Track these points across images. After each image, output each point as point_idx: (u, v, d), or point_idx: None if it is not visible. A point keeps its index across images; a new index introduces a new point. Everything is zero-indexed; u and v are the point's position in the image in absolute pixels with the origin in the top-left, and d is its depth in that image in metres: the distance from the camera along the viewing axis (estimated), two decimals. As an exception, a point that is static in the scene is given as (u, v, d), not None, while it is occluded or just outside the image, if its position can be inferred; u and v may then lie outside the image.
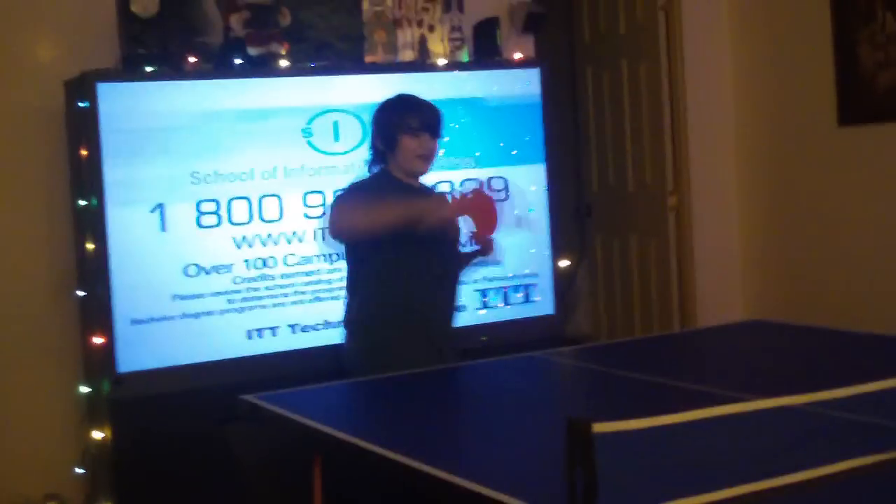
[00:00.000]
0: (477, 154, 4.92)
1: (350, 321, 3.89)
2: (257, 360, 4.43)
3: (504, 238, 4.61)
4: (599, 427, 1.80)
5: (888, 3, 5.09)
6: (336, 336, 4.15)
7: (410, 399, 3.31)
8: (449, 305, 3.93)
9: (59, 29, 4.69)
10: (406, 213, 3.62)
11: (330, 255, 4.56)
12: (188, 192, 4.35)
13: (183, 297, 4.34)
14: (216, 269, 4.40)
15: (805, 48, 5.58)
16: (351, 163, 4.60)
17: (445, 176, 4.79)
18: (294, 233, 4.54)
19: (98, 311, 4.27)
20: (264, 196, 4.49)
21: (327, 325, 4.52)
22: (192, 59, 4.42)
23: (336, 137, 4.62)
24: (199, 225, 4.38)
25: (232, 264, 4.43)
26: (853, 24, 5.27)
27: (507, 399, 3.28)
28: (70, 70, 4.40)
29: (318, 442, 2.91)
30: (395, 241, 3.70)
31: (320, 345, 4.48)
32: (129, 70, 4.33)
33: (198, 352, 4.36)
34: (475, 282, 4.86)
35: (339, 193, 3.98)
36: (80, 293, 4.50)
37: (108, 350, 4.22)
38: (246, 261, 4.45)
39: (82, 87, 4.26)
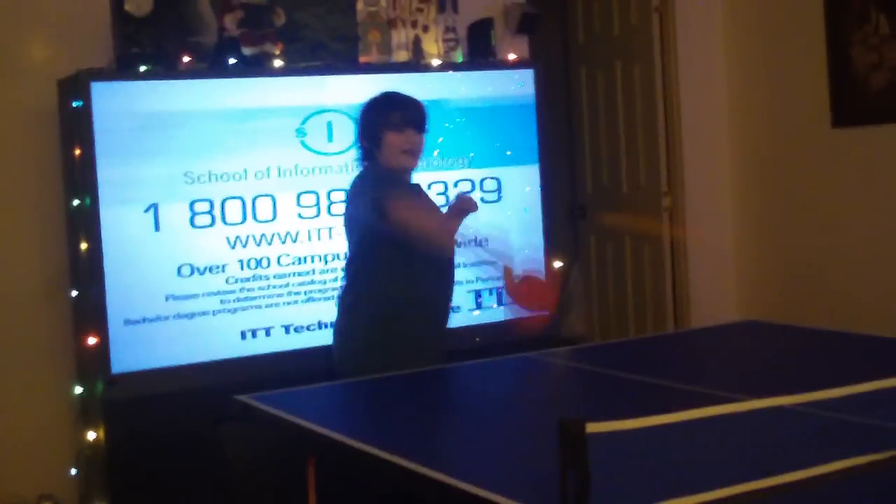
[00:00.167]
0: (471, 155, 4.91)
1: (349, 305, 3.87)
2: (251, 361, 4.42)
3: (498, 238, 4.64)
4: (592, 427, 1.80)
5: (881, 4, 5.10)
6: (330, 337, 4.15)
7: (404, 400, 3.31)
8: (448, 302, 3.93)
9: (53, 28, 4.68)
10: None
11: (324, 256, 4.56)
12: (182, 191, 4.35)
13: (176, 298, 4.33)
14: (210, 269, 4.39)
15: (799, 50, 5.59)
16: (345, 163, 4.59)
17: (439, 176, 4.78)
18: (288, 233, 4.54)
19: (91, 312, 4.26)
20: (258, 196, 4.49)
21: (321, 325, 4.52)
22: (186, 59, 4.42)
23: (330, 138, 4.62)
24: (193, 225, 4.37)
25: (226, 264, 4.42)
26: (846, 26, 5.27)
27: (501, 400, 3.28)
28: (64, 69, 4.40)
29: (311, 442, 2.90)
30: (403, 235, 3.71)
31: (314, 345, 4.47)
32: (123, 69, 4.33)
33: (191, 352, 4.35)
34: (469, 282, 4.86)
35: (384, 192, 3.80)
36: (74, 293, 4.49)
37: (102, 350, 4.21)
38: (240, 261, 4.45)
39: (76, 86, 4.26)
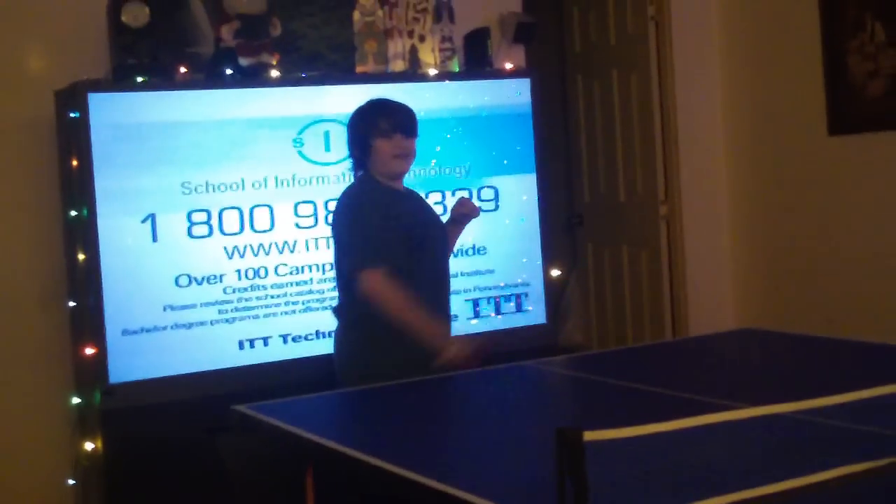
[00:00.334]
0: (468, 164, 4.92)
1: (347, 318, 3.88)
2: (249, 371, 4.42)
3: (496, 248, 4.64)
4: (590, 436, 1.80)
5: (877, 13, 5.12)
6: (328, 346, 4.15)
7: (402, 409, 3.31)
8: (445, 308, 3.93)
9: (50, 39, 4.69)
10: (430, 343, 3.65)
11: (321, 266, 4.56)
12: (179, 202, 4.35)
13: (174, 308, 4.33)
14: (207, 279, 4.39)
15: (795, 58, 5.60)
16: (342, 172, 4.59)
17: (437, 186, 4.79)
18: (285, 243, 4.54)
19: (89, 322, 4.26)
20: (255, 206, 4.49)
21: (319, 335, 4.52)
22: (182, 70, 4.42)
23: (327, 147, 4.62)
24: (191, 235, 4.37)
25: (223, 274, 4.42)
26: (842, 34, 5.28)
27: (499, 408, 3.28)
28: (61, 80, 4.40)
29: (309, 452, 2.90)
30: (398, 246, 3.72)
31: (312, 355, 4.48)
32: (119, 80, 4.33)
33: (189, 362, 4.35)
34: (467, 291, 4.86)
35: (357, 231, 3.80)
36: (72, 304, 4.49)
37: (100, 360, 4.21)
38: (237, 271, 4.45)
39: (73, 97, 4.26)
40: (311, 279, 4.57)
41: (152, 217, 4.30)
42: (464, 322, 4.83)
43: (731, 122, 6.03)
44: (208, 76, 4.50)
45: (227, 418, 3.29)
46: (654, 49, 5.99)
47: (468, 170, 4.92)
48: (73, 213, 4.36)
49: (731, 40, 6.00)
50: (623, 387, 3.39)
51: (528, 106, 5.07)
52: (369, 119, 3.87)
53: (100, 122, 4.22)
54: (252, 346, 4.47)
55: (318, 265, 4.57)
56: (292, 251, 4.55)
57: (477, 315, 4.92)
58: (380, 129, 3.82)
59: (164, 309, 4.32)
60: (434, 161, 4.82)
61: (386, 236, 3.71)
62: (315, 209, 4.58)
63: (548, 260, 5.09)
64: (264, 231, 4.50)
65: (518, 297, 5.02)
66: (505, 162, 5.01)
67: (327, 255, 4.53)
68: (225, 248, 4.43)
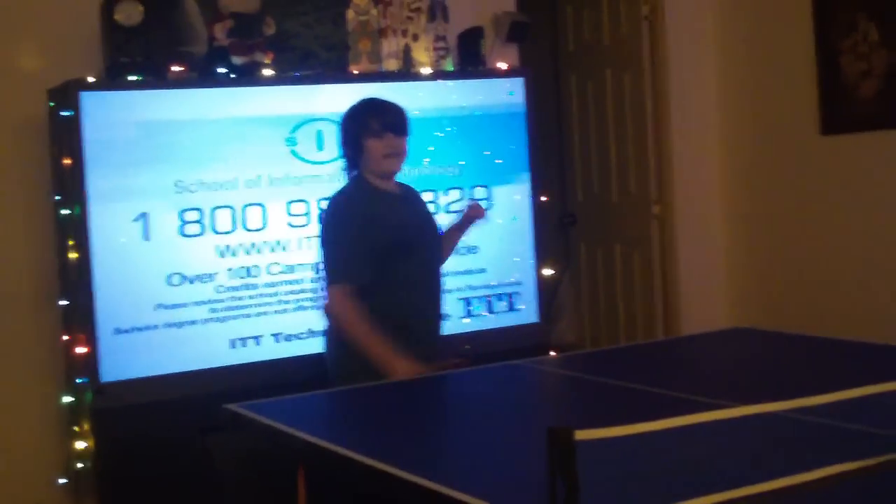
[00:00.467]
0: (461, 163, 4.92)
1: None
2: (241, 369, 4.42)
3: (488, 247, 4.64)
4: (581, 435, 1.80)
5: (870, 13, 5.12)
6: (320, 345, 4.15)
7: (394, 408, 3.30)
8: (434, 312, 3.93)
9: (43, 37, 4.68)
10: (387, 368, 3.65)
11: (314, 265, 4.56)
12: (172, 200, 4.34)
13: (166, 307, 4.33)
14: (199, 278, 4.39)
15: (788, 58, 5.61)
16: (335, 171, 4.59)
17: (430, 185, 4.79)
18: (278, 242, 4.54)
19: (81, 320, 4.26)
20: (248, 205, 4.49)
21: (311, 333, 4.51)
22: (175, 69, 4.42)
23: (320, 146, 4.62)
24: (183, 234, 4.37)
25: (215, 273, 4.42)
26: (835, 35, 5.29)
27: (491, 407, 3.28)
28: (53, 79, 4.40)
29: (301, 451, 2.90)
30: (384, 249, 3.73)
31: (304, 354, 4.48)
32: (112, 79, 4.33)
33: (181, 361, 4.35)
34: (459, 290, 4.86)
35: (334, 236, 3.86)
36: (64, 302, 4.49)
37: (91, 359, 4.21)
38: (229, 270, 4.44)
39: (66, 95, 4.26)
40: (304, 278, 4.57)
41: (144, 216, 4.29)
42: (456, 321, 4.83)
43: (724, 122, 6.04)
44: (201, 75, 4.49)
45: (219, 417, 3.29)
46: (647, 49, 6.00)
47: (461, 169, 4.92)
48: (66, 211, 4.36)
49: (724, 40, 6.01)
50: (615, 386, 3.39)
51: (522, 105, 5.07)
52: (361, 118, 3.88)
53: (92, 120, 4.21)
54: (244, 344, 4.47)
55: (310, 264, 4.56)
56: (285, 250, 4.55)
57: (469, 314, 4.92)
58: (371, 129, 3.83)
59: (156, 308, 4.31)
60: (427, 160, 4.82)
61: (362, 249, 3.73)
62: (308, 208, 4.58)
63: (540, 259, 5.09)
64: (257, 230, 4.50)
65: (510, 296, 5.02)
66: (498, 161, 5.01)
67: (319, 254, 4.53)
68: (217, 246, 4.43)
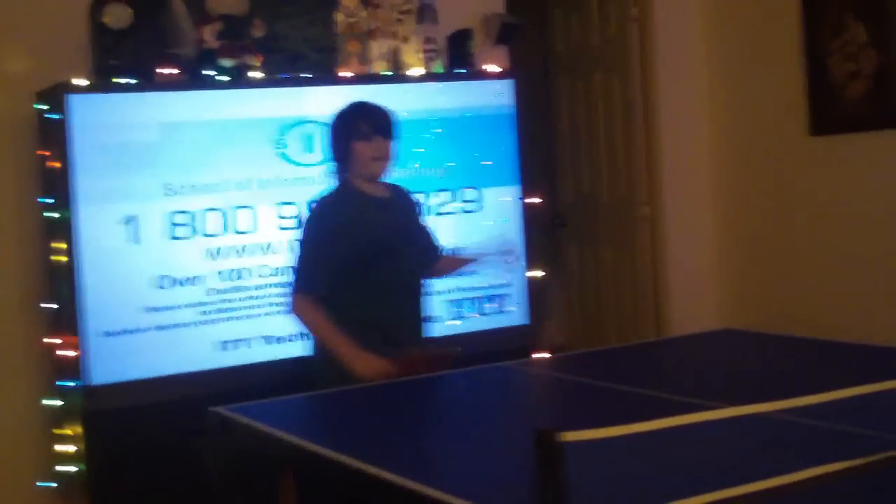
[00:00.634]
0: (451, 165, 4.92)
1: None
2: (231, 372, 4.41)
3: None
4: (568, 436, 1.80)
5: (858, 14, 5.13)
6: (308, 347, 4.14)
7: (382, 410, 3.30)
8: (413, 316, 3.92)
9: (32, 40, 4.66)
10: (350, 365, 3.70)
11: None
12: (160, 203, 4.34)
13: (155, 309, 4.32)
14: (189, 280, 4.38)
15: (777, 59, 5.62)
16: (324, 174, 4.58)
17: (419, 187, 4.78)
18: (267, 244, 4.53)
19: (70, 323, 4.25)
20: (238, 207, 4.48)
21: (300, 336, 4.50)
22: (164, 71, 4.41)
23: (309, 149, 4.62)
24: (172, 236, 4.36)
25: (205, 276, 4.41)
26: (824, 36, 5.30)
27: (479, 409, 3.28)
28: (42, 81, 4.39)
29: (289, 453, 2.90)
30: (358, 255, 3.74)
31: (293, 356, 4.47)
32: (101, 81, 4.32)
33: (171, 363, 4.34)
34: (449, 292, 4.85)
35: (305, 238, 3.92)
36: (53, 305, 4.47)
37: (80, 362, 4.20)
38: (219, 272, 4.44)
39: (54, 98, 4.25)
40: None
41: (133, 218, 4.29)
42: (446, 323, 4.82)
43: (714, 123, 6.04)
44: (190, 77, 4.48)
45: (208, 420, 3.28)
46: (636, 50, 6.00)
47: (451, 171, 4.92)
48: (54, 214, 4.35)
49: (713, 41, 6.01)
50: (604, 387, 3.39)
51: (512, 107, 5.07)
52: (349, 121, 3.88)
53: (81, 123, 4.21)
54: (233, 347, 4.46)
55: (300, 266, 4.55)
56: (274, 252, 4.54)
57: (459, 316, 4.92)
58: (359, 132, 3.84)
59: (146, 310, 4.31)
60: (417, 163, 4.81)
61: (325, 261, 3.78)
62: (297, 210, 4.57)
63: (530, 261, 5.09)
64: (246, 232, 4.50)
65: (500, 297, 5.02)
66: (488, 163, 5.01)
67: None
68: (207, 249, 4.42)
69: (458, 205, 4.92)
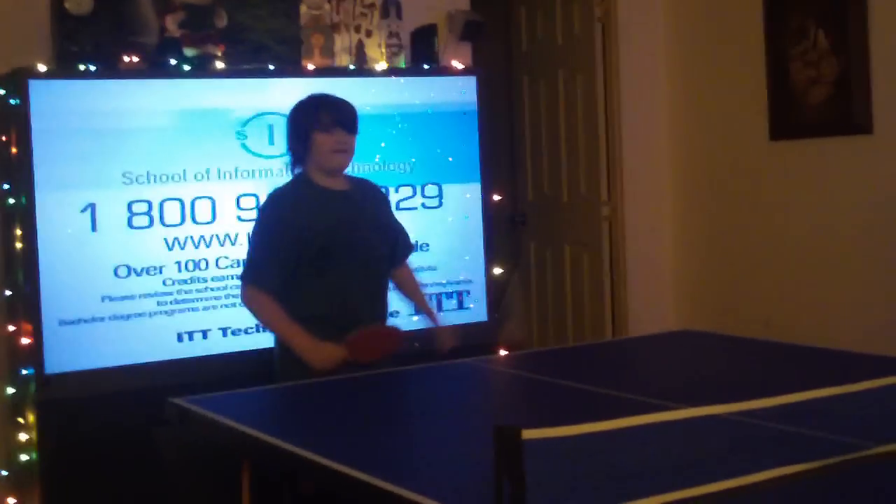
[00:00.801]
0: (412, 160, 4.91)
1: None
2: (188, 363, 4.39)
3: (439, 245, 4.63)
4: (528, 434, 1.81)
5: (820, 21, 5.16)
6: (266, 340, 4.13)
7: (341, 404, 3.29)
8: (371, 311, 3.91)
9: (-8, 25, 4.62)
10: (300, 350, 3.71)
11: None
12: (120, 192, 4.31)
13: (113, 299, 4.29)
14: (147, 270, 4.36)
15: (738, 63, 5.65)
16: (285, 166, 4.57)
17: (381, 181, 4.78)
18: (227, 235, 4.51)
19: (26, 311, 4.21)
20: (197, 198, 4.46)
21: (258, 328, 4.49)
22: (126, 59, 4.38)
23: (270, 140, 4.60)
24: (131, 226, 4.33)
25: (163, 266, 4.39)
26: (786, 41, 5.33)
27: (439, 405, 3.28)
28: (2, 66, 4.34)
29: (246, 446, 2.89)
30: (310, 247, 3.74)
31: (251, 348, 4.45)
32: (62, 68, 4.29)
33: (127, 354, 4.31)
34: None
35: (255, 230, 3.92)
36: (8, 292, 4.44)
37: (36, 350, 4.16)
38: (177, 263, 4.42)
39: (14, 83, 4.21)
40: (253, 272, 4.54)
41: (92, 207, 4.26)
42: (405, 318, 4.81)
43: (675, 125, 6.07)
44: (152, 66, 4.46)
45: (165, 411, 3.27)
46: (599, 50, 6.01)
47: (412, 166, 4.92)
48: (12, 200, 4.31)
49: (676, 43, 6.04)
50: (562, 386, 3.40)
51: (474, 104, 5.08)
52: (310, 112, 3.86)
53: (40, 109, 4.17)
54: (191, 338, 4.44)
55: (259, 259, 4.53)
56: (234, 244, 4.52)
57: (418, 312, 4.91)
58: (320, 123, 3.82)
59: (103, 299, 4.28)
60: (378, 157, 4.81)
61: (276, 254, 3.76)
62: (257, 202, 4.55)
63: (490, 258, 5.10)
64: (205, 223, 4.47)
65: (460, 294, 5.02)
66: (449, 159, 5.01)
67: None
68: (165, 239, 4.40)
69: (419, 200, 4.91)
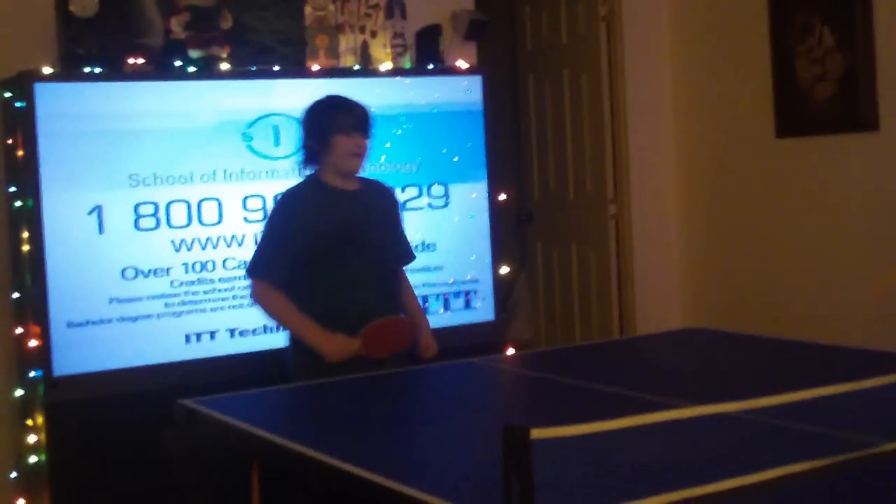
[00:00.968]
0: (418, 161, 4.91)
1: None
2: (195, 365, 4.39)
3: (445, 244, 4.63)
4: (536, 433, 1.80)
5: (825, 17, 5.16)
6: (274, 340, 4.14)
7: (349, 404, 3.30)
8: (381, 309, 3.91)
9: (-3, 28, 4.63)
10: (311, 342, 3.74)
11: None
12: (126, 194, 4.31)
13: (120, 301, 4.30)
14: (154, 272, 4.36)
15: (744, 61, 5.64)
16: (291, 167, 4.58)
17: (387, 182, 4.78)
18: (233, 236, 4.52)
19: (34, 313, 4.22)
20: (204, 199, 4.46)
21: (266, 329, 4.49)
22: (131, 61, 4.38)
23: (276, 142, 4.60)
24: (138, 227, 4.34)
25: (170, 267, 4.39)
26: (791, 38, 5.32)
27: (446, 405, 3.28)
28: (7, 69, 4.35)
29: (255, 447, 2.89)
30: (320, 245, 3.74)
31: (259, 349, 4.46)
32: (67, 70, 4.29)
33: (135, 355, 4.32)
34: (416, 288, 4.84)
35: (265, 232, 3.95)
36: (16, 295, 4.44)
37: (44, 353, 4.17)
38: (184, 264, 4.42)
39: (20, 86, 4.21)
40: (259, 273, 4.54)
41: (99, 209, 4.26)
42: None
43: (681, 123, 6.06)
44: (157, 68, 4.46)
45: (174, 412, 3.27)
46: (604, 49, 6.01)
47: (418, 167, 4.92)
48: (19, 203, 4.32)
49: (681, 42, 6.04)
50: (570, 385, 3.40)
51: (479, 104, 5.07)
52: (331, 114, 3.87)
53: (46, 112, 4.17)
54: (199, 339, 4.44)
55: (266, 260, 4.53)
56: (240, 245, 4.52)
57: (426, 311, 4.91)
58: (341, 126, 3.83)
59: (110, 301, 4.28)
60: (384, 157, 4.81)
61: (285, 251, 3.80)
62: (264, 203, 4.55)
63: (497, 257, 5.09)
64: (212, 224, 4.48)
65: (467, 293, 5.02)
66: (455, 159, 5.01)
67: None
68: (172, 240, 4.40)
69: (425, 200, 4.91)
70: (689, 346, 4.09)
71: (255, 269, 3.87)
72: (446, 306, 4.95)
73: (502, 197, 5.20)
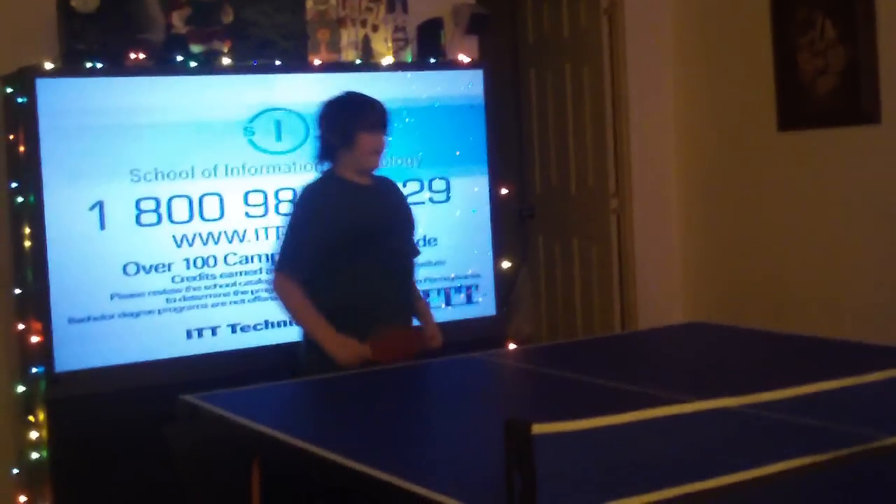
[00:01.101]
0: (420, 155, 4.91)
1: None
2: (197, 360, 4.39)
3: (447, 239, 4.63)
4: (538, 428, 1.80)
5: (827, 11, 5.15)
6: (275, 336, 4.13)
7: (351, 400, 3.30)
8: (398, 302, 3.92)
9: (-1, 23, 4.63)
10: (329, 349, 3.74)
11: (271, 255, 4.53)
12: (128, 189, 4.31)
13: (122, 296, 4.30)
14: (156, 267, 4.36)
15: (746, 55, 5.64)
16: (293, 162, 4.58)
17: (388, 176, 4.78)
18: (235, 232, 4.51)
19: (35, 309, 4.22)
20: (205, 195, 4.46)
21: (267, 325, 4.49)
22: (133, 56, 4.38)
23: (278, 136, 4.60)
24: (139, 223, 4.33)
25: (172, 263, 4.39)
26: (793, 32, 5.32)
27: (449, 400, 3.28)
28: (9, 65, 4.35)
29: (256, 442, 2.89)
30: (343, 240, 3.74)
31: (261, 345, 4.46)
32: (69, 65, 4.29)
33: (137, 351, 4.32)
34: (418, 282, 4.84)
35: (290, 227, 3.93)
36: (17, 291, 4.44)
37: (45, 349, 4.17)
38: (186, 260, 4.42)
39: (21, 82, 4.21)
40: (261, 268, 4.54)
41: (100, 204, 4.26)
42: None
43: (683, 117, 6.06)
44: (159, 63, 4.46)
45: (175, 408, 3.27)
46: (606, 43, 6.01)
47: (420, 161, 4.91)
48: (20, 199, 4.31)
49: (683, 35, 6.03)
50: (572, 379, 3.40)
51: (481, 97, 5.07)
52: (356, 111, 3.89)
53: (48, 107, 4.17)
54: (200, 335, 4.44)
55: (267, 254, 4.54)
56: (242, 240, 4.52)
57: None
58: (366, 123, 3.86)
59: (112, 297, 4.28)
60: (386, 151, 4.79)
61: (309, 245, 3.81)
62: (265, 198, 4.55)
63: (498, 252, 5.09)
64: (214, 220, 4.47)
65: (469, 288, 5.02)
66: (457, 153, 5.00)
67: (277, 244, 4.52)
68: (174, 236, 4.40)
69: (427, 194, 4.91)
70: (690, 341, 4.09)
71: (281, 262, 3.90)
72: (448, 301, 4.95)
73: (504, 191, 5.20)
